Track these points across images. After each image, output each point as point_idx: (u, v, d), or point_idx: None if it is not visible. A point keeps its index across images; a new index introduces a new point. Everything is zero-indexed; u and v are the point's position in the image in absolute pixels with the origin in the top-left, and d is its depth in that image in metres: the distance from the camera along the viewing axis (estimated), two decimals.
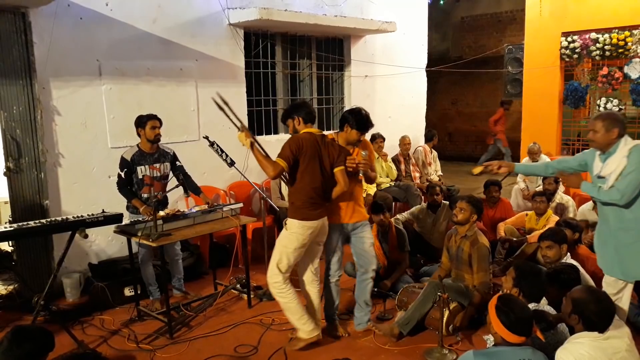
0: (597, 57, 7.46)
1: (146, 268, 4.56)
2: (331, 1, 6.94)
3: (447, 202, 5.73)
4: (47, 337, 2.60)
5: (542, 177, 6.54)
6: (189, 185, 4.56)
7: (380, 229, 4.96)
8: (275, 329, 4.20)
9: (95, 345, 3.96)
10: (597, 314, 2.62)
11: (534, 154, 7.22)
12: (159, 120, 4.46)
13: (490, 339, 3.23)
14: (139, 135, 4.46)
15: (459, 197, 4.28)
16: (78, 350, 3.70)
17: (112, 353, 3.86)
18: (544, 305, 3.45)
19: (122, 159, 4.40)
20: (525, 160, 7.45)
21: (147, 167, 4.44)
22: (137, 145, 4.47)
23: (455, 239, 4.26)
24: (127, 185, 4.42)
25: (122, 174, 4.38)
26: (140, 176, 4.43)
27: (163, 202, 4.58)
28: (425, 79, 8.66)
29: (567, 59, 7.77)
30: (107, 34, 5.12)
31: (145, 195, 4.43)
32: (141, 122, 4.41)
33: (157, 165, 4.50)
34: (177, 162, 4.66)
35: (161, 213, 4.25)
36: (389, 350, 3.84)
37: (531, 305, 3.30)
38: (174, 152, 4.66)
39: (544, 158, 7.26)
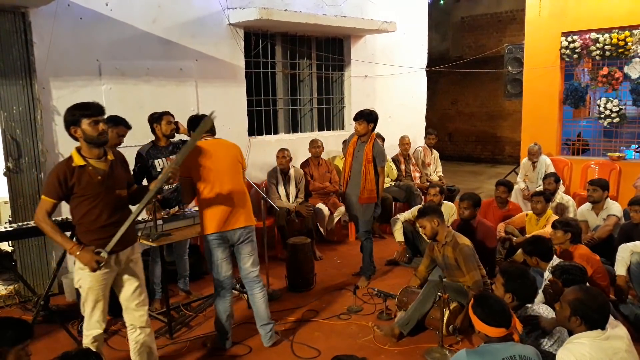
0: (597, 57, 7.46)
1: (155, 266, 4.58)
2: (331, 1, 6.94)
3: (448, 202, 5.74)
4: (21, 327, 2.55)
5: (542, 177, 6.56)
6: None
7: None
8: (275, 329, 4.19)
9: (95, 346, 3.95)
10: (597, 311, 2.62)
11: (533, 155, 7.21)
12: (172, 115, 4.60)
13: None
14: (153, 131, 4.56)
15: (418, 213, 4.33)
16: (76, 349, 3.69)
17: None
18: (539, 303, 3.45)
19: (137, 154, 4.51)
20: (525, 160, 7.45)
21: (164, 159, 4.53)
22: (152, 141, 4.57)
23: (438, 248, 4.24)
24: (139, 178, 4.48)
25: (136, 169, 4.47)
26: (158, 169, 4.49)
27: (177, 199, 4.66)
28: (425, 79, 8.65)
29: (567, 59, 7.76)
30: (107, 34, 5.13)
31: (166, 187, 4.50)
32: (156, 117, 4.53)
33: (173, 157, 4.58)
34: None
35: (161, 213, 4.27)
36: (389, 351, 3.84)
37: (527, 307, 3.31)
38: (180, 140, 4.76)
39: (544, 158, 7.26)
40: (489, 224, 5.21)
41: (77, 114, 2.89)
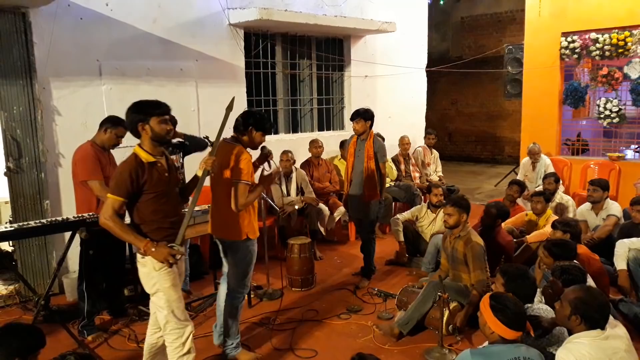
0: (597, 57, 7.46)
1: None
2: (331, 1, 6.95)
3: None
4: (36, 334, 2.59)
5: (541, 177, 6.57)
6: (195, 143, 4.73)
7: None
8: (275, 329, 4.20)
9: (95, 345, 3.97)
10: (597, 310, 2.62)
11: (534, 154, 7.22)
12: (173, 120, 4.51)
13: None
14: None
15: (446, 201, 4.29)
16: (77, 350, 3.70)
17: (113, 353, 3.87)
18: (538, 302, 3.46)
19: None
20: (525, 160, 7.45)
21: None
22: None
23: (450, 240, 4.26)
24: None
25: None
26: None
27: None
28: (425, 79, 8.66)
29: (567, 59, 7.77)
30: (107, 34, 5.13)
31: None
32: None
33: (173, 157, 4.58)
34: (184, 142, 4.73)
35: None
36: (389, 350, 3.84)
37: (527, 306, 3.31)
38: (177, 141, 4.71)
39: (544, 158, 7.26)
40: (509, 237, 5.17)
41: (148, 111, 2.87)
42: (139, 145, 2.93)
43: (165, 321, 2.96)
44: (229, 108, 3.31)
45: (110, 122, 4.07)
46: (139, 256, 2.92)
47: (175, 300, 2.95)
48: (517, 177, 7.40)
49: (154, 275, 2.90)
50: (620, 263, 4.37)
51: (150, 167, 2.88)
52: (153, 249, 2.83)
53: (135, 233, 2.86)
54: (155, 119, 2.87)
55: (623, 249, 4.39)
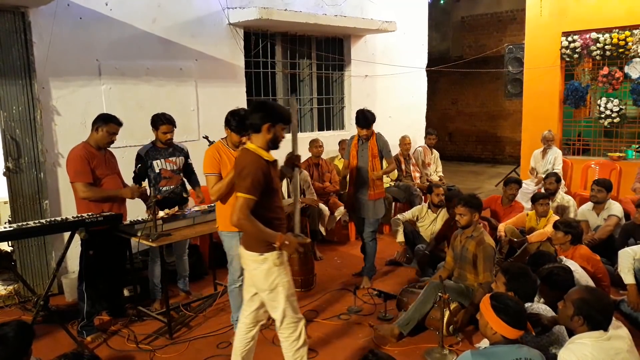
0: (597, 57, 7.45)
1: (155, 266, 4.58)
2: (331, 1, 6.94)
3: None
4: (22, 331, 2.57)
5: (551, 163, 6.82)
6: (193, 181, 4.79)
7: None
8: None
9: (95, 346, 3.96)
10: (601, 312, 2.61)
11: (548, 141, 7.27)
12: (173, 125, 4.51)
13: (482, 346, 3.22)
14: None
15: (457, 199, 4.27)
16: (76, 351, 3.69)
17: (112, 353, 3.86)
18: (537, 302, 3.45)
19: (137, 155, 4.52)
20: (536, 152, 7.46)
21: (163, 160, 4.52)
22: (152, 142, 4.56)
23: (461, 239, 4.24)
24: (140, 180, 4.47)
25: (136, 169, 4.47)
26: (157, 170, 4.50)
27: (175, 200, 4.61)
28: (425, 79, 8.65)
29: (567, 59, 7.76)
30: (107, 33, 5.12)
31: (164, 188, 4.53)
32: (155, 124, 4.48)
33: (173, 158, 4.59)
34: (189, 160, 4.75)
35: (161, 213, 4.25)
36: (389, 351, 3.82)
37: (527, 306, 3.31)
38: (187, 150, 4.73)
39: (555, 148, 7.28)
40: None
41: (280, 117, 2.93)
42: (252, 143, 2.94)
43: (283, 316, 2.99)
44: (292, 107, 3.33)
45: (101, 120, 4.06)
46: (254, 255, 2.91)
47: (292, 294, 3.01)
48: (529, 173, 7.44)
49: (274, 271, 2.91)
50: (628, 277, 4.02)
51: (271, 165, 2.94)
52: (287, 242, 2.87)
53: (269, 229, 2.86)
54: (281, 126, 2.94)
55: (628, 261, 4.03)
